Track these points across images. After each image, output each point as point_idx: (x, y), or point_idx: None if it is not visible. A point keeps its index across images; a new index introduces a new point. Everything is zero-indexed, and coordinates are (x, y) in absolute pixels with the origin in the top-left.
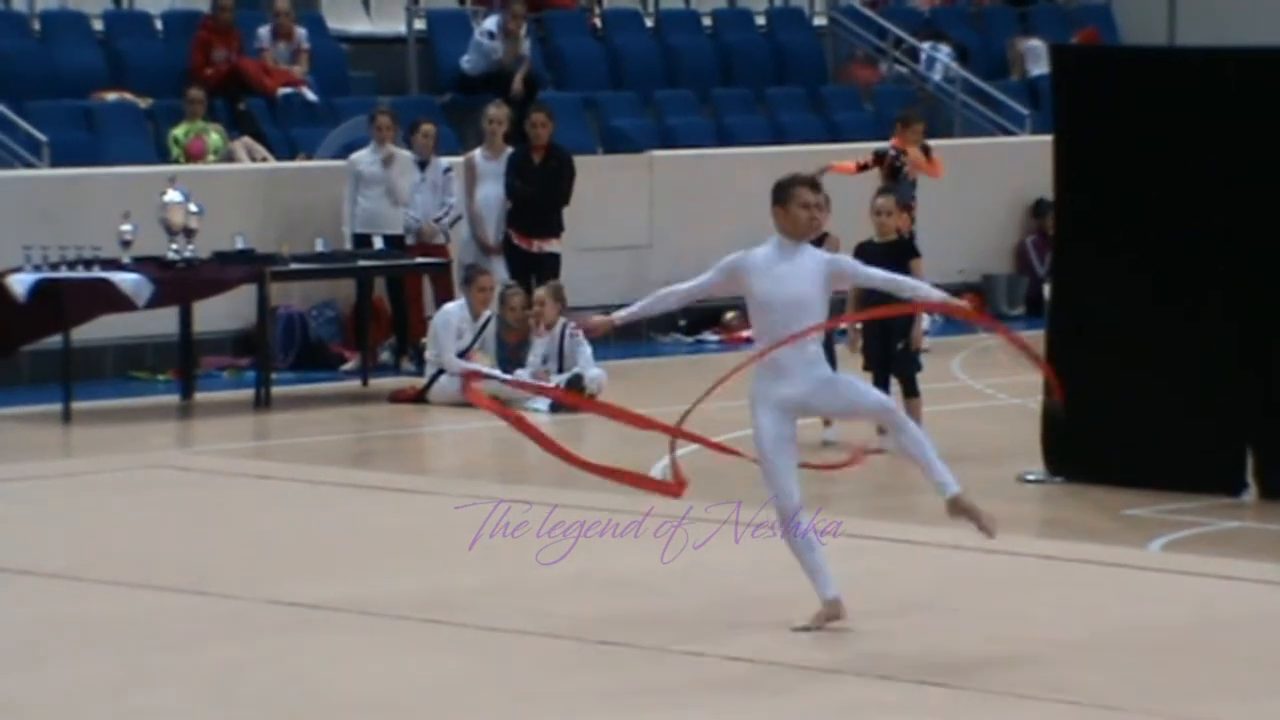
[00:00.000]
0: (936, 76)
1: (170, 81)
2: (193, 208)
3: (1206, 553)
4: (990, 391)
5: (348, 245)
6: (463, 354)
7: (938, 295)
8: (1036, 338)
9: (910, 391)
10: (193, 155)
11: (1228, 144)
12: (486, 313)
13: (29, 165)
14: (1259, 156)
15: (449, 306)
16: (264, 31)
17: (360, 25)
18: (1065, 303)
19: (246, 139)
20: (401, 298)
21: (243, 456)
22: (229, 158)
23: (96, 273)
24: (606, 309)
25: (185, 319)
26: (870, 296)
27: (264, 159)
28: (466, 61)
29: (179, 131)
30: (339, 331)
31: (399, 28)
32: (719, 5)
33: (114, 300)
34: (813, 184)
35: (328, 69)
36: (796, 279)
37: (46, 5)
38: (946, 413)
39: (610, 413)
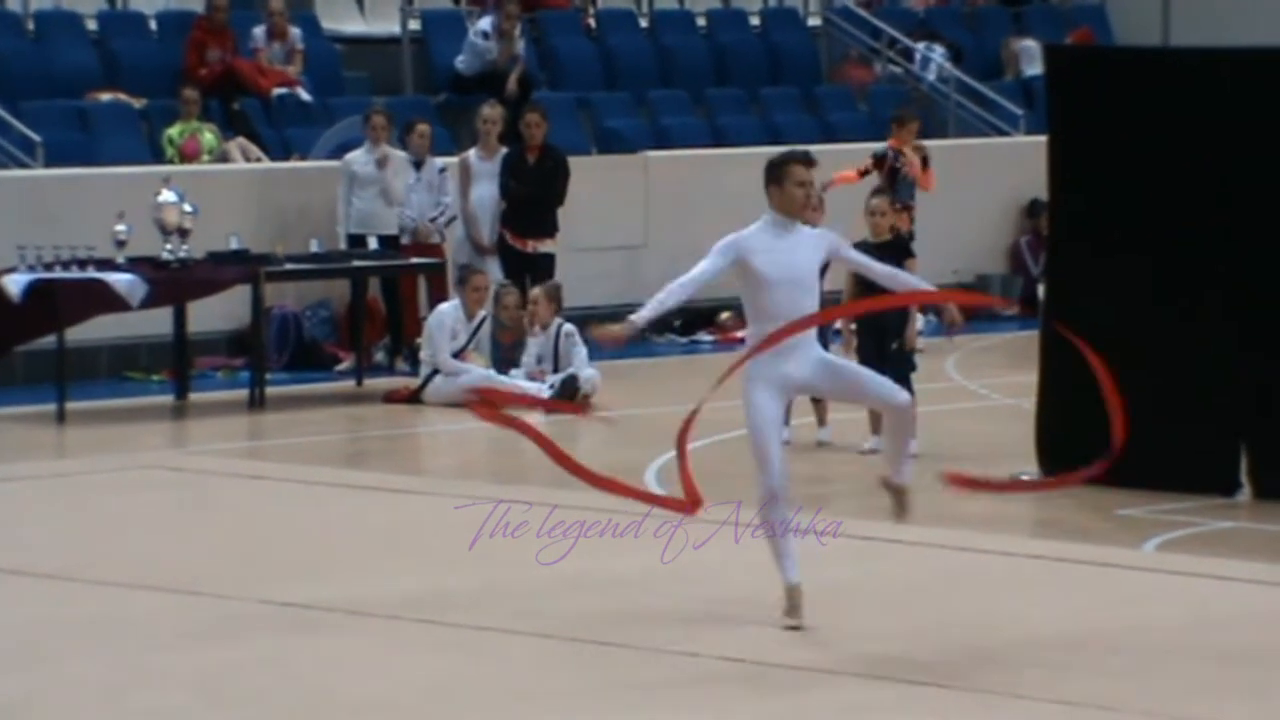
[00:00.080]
0: (931, 77)
1: (165, 81)
2: (187, 208)
3: (1201, 553)
4: (984, 392)
5: (342, 245)
6: (457, 354)
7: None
8: (1031, 338)
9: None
10: (187, 155)
11: (1222, 144)
12: (481, 313)
13: (23, 165)
14: (1254, 156)
15: (443, 307)
16: (258, 32)
17: (355, 25)
18: (1060, 303)
19: (241, 139)
20: (396, 298)
21: (237, 457)
22: (223, 158)
23: (91, 273)
24: (601, 309)
25: (180, 319)
26: (867, 291)
27: (258, 159)
28: (461, 62)
29: (173, 131)
30: (333, 332)
31: (393, 28)
32: (713, 5)
33: (108, 300)
34: (806, 160)
35: (322, 69)
36: (796, 256)
37: (41, 5)
38: (941, 413)
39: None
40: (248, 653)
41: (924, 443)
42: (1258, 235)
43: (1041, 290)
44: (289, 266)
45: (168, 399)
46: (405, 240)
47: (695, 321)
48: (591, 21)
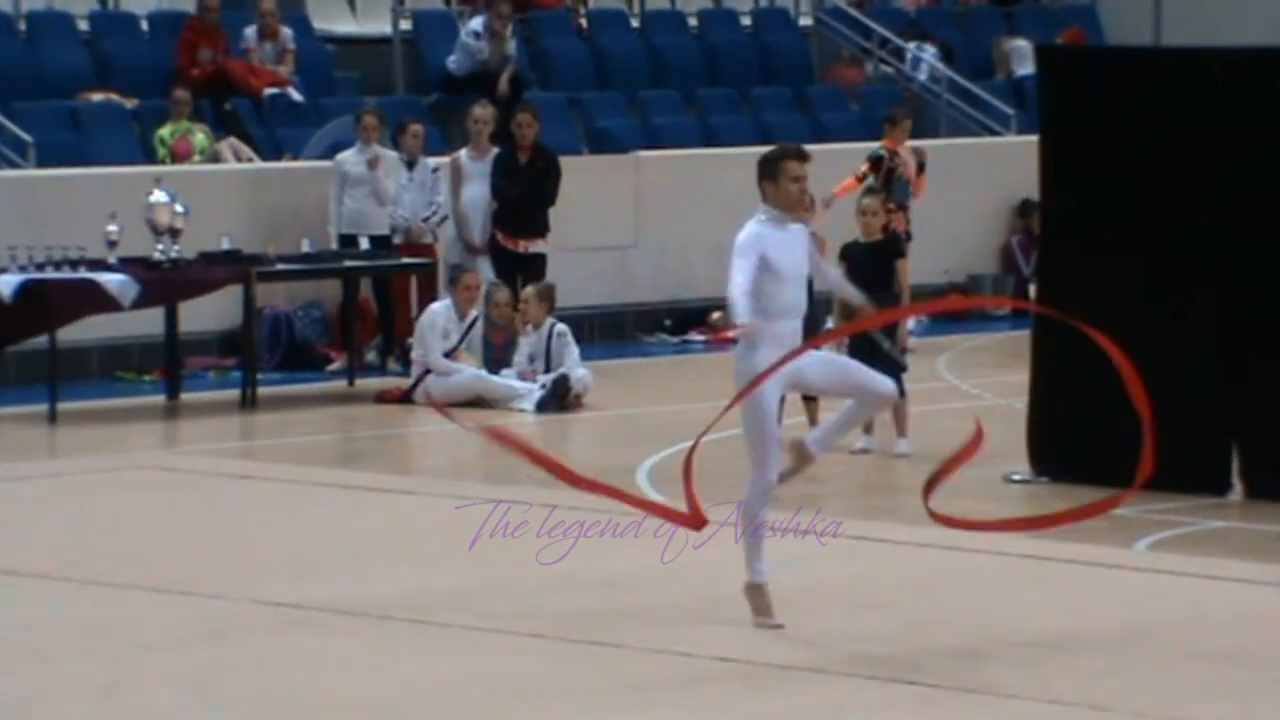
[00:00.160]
0: (922, 76)
1: (156, 82)
2: (178, 208)
3: (1193, 552)
4: (976, 391)
5: (334, 245)
6: (449, 354)
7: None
8: (1022, 337)
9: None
10: (178, 156)
11: (1213, 144)
12: (473, 312)
13: (15, 166)
14: (1245, 156)
15: (435, 306)
16: (250, 32)
17: (346, 25)
18: (1051, 302)
19: (232, 139)
20: (387, 298)
21: (229, 457)
22: (215, 158)
23: (82, 273)
24: (593, 309)
25: (171, 319)
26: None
27: (250, 159)
28: (452, 62)
29: (165, 132)
30: (325, 332)
31: (385, 28)
32: (704, 5)
33: (100, 301)
34: (801, 156)
35: (313, 69)
36: (796, 252)
37: (32, 5)
38: (932, 413)
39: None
40: (240, 653)
41: (916, 443)
42: (1249, 235)
43: (1033, 290)
44: (280, 267)
45: (159, 399)
46: (398, 240)
47: (686, 321)
48: (583, 21)
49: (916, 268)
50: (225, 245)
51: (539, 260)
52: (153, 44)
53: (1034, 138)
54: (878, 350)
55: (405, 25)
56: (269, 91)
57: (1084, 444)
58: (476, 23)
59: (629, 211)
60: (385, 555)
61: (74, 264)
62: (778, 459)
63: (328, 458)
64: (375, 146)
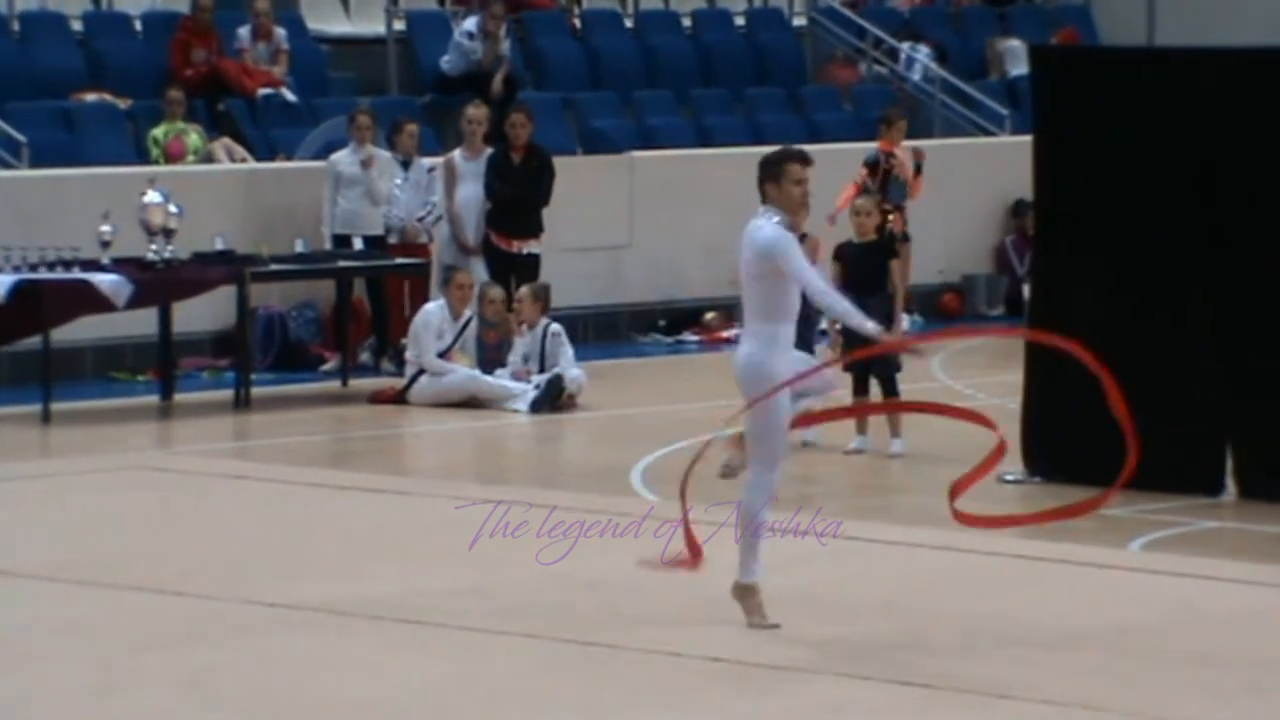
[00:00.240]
0: (916, 77)
1: (150, 82)
2: (172, 208)
3: (1186, 553)
4: (970, 391)
5: (327, 246)
6: (443, 354)
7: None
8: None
9: (890, 391)
10: (172, 156)
11: (1207, 144)
12: (467, 313)
13: (8, 166)
14: (1239, 156)
15: (429, 307)
16: (243, 32)
17: (340, 26)
18: (1045, 302)
19: (226, 139)
20: (381, 298)
21: (222, 457)
22: (208, 158)
23: (76, 273)
24: (587, 310)
25: (165, 320)
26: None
27: (243, 160)
28: (446, 62)
29: (158, 132)
30: (319, 332)
31: (378, 28)
32: (698, 6)
33: (93, 301)
34: (803, 159)
35: (307, 69)
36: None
37: (26, 6)
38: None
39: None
40: (235, 653)
41: (910, 444)
42: (1243, 235)
43: (1026, 290)
44: (274, 267)
45: (153, 399)
46: (393, 240)
47: (680, 321)
48: (576, 22)
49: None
50: (219, 245)
51: (533, 260)
52: (146, 44)
53: (1028, 138)
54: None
55: (399, 25)
56: (263, 92)
57: (1077, 444)
58: (470, 23)
59: (623, 212)
60: (379, 556)
61: (68, 264)
62: (783, 460)
63: (321, 458)
64: (369, 147)
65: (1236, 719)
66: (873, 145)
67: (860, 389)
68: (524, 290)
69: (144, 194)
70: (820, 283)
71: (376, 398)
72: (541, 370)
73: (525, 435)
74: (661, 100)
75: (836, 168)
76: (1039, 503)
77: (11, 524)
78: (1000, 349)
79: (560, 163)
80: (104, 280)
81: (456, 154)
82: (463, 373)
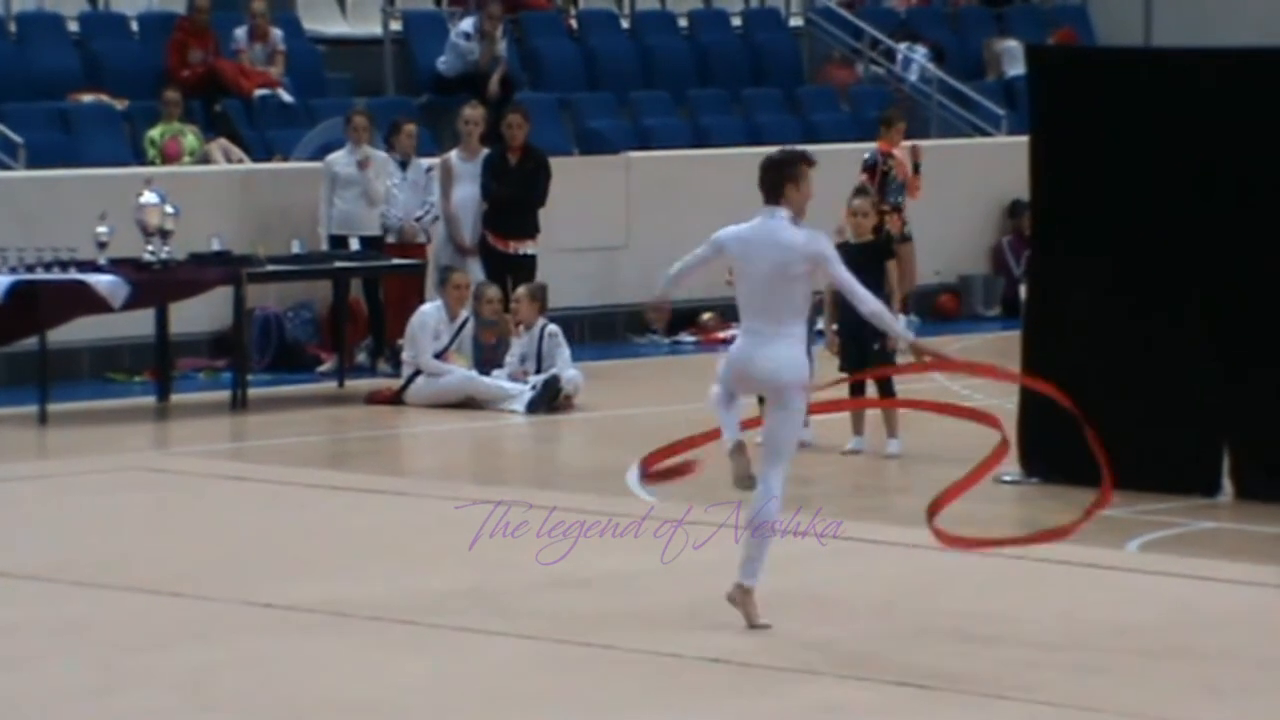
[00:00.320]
0: (913, 77)
1: (146, 83)
2: (169, 209)
3: (1183, 553)
4: (967, 392)
5: (324, 246)
6: (440, 355)
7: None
8: (1013, 338)
9: (886, 392)
10: (169, 156)
11: (1205, 144)
12: (464, 313)
13: (5, 167)
14: (1236, 156)
15: (426, 308)
16: (240, 33)
17: (336, 26)
18: (1041, 303)
19: (222, 140)
20: (377, 299)
21: (219, 458)
22: (205, 159)
23: (73, 274)
24: (583, 310)
25: (161, 320)
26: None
27: (240, 160)
28: (443, 63)
29: (155, 133)
30: (315, 333)
31: (375, 29)
32: (695, 6)
33: (90, 302)
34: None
35: (304, 70)
36: None
37: (22, 6)
38: (923, 414)
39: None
40: (231, 654)
41: (907, 444)
42: (1240, 236)
43: (1023, 290)
44: (271, 268)
45: (150, 400)
46: (391, 240)
47: (678, 322)
48: (573, 22)
49: None
50: (215, 246)
51: (529, 261)
52: (143, 45)
53: (1025, 138)
54: (868, 352)
55: (396, 26)
56: (259, 92)
57: (1074, 445)
58: (467, 23)
59: (619, 212)
60: (378, 556)
61: (64, 265)
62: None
63: (318, 459)
64: (365, 147)
65: (1235, 719)
66: (870, 145)
67: (857, 389)
68: (521, 290)
69: (140, 195)
70: (861, 287)
71: (373, 398)
72: (538, 371)
73: (522, 436)
74: (658, 101)
75: (834, 168)
76: (1036, 503)
77: (9, 525)
78: (997, 349)
79: (557, 163)
80: (101, 281)
81: (453, 154)
82: (459, 373)
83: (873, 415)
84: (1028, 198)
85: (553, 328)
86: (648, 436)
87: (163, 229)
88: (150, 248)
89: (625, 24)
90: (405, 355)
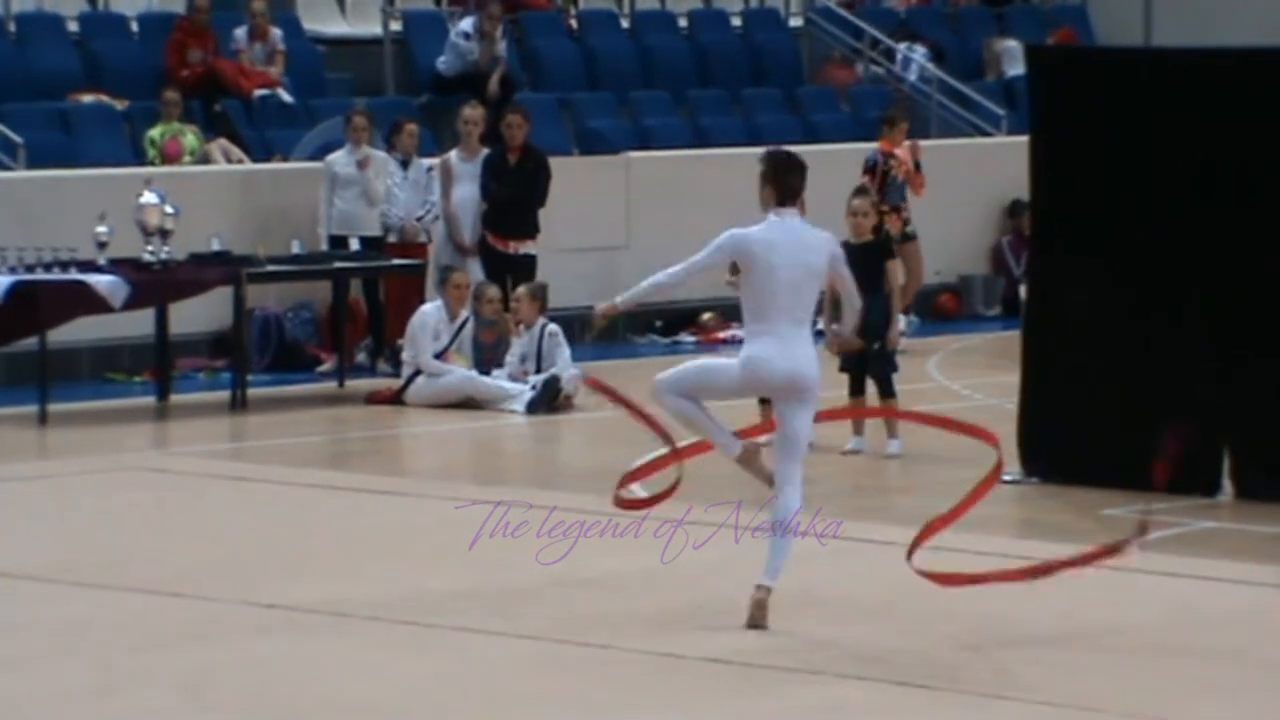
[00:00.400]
0: (912, 77)
1: (146, 83)
2: (169, 209)
3: (1184, 553)
4: (967, 392)
5: (324, 247)
6: (440, 355)
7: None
8: (1012, 338)
9: (886, 392)
10: (169, 157)
11: (1204, 144)
12: (464, 313)
13: (5, 167)
14: (1236, 156)
15: (426, 308)
16: (240, 33)
17: (336, 26)
18: (1041, 303)
19: (222, 140)
20: (377, 299)
21: (219, 458)
22: (205, 159)
23: (72, 274)
24: (583, 310)
25: (161, 320)
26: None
27: (240, 160)
28: (442, 63)
29: (155, 133)
30: (315, 333)
31: (375, 29)
32: (695, 6)
33: (90, 302)
34: None
35: (304, 70)
36: None
37: (22, 7)
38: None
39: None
40: (232, 654)
41: (907, 444)
42: (1241, 234)
43: (1023, 290)
44: (271, 268)
45: (149, 400)
46: (392, 239)
47: (677, 322)
48: (573, 22)
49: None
50: (215, 246)
51: (529, 261)
52: (143, 45)
53: (1024, 138)
54: (868, 351)
55: (395, 26)
56: (259, 92)
57: (1074, 445)
58: (467, 23)
59: (619, 212)
60: (378, 556)
61: (64, 265)
62: None
63: (318, 459)
64: (365, 147)
65: (1235, 719)
66: (869, 145)
67: (857, 389)
68: (521, 290)
69: (140, 195)
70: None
71: (373, 398)
72: (538, 371)
73: (522, 436)
74: (658, 101)
75: (834, 168)
76: (1035, 503)
77: (9, 525)
78: (997, 349)
79: (556, 163)
80: (100, 281)
81: (453, 155)
82: (459, 373)
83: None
84: (1028, 198)
85: (553, 327)
86: (647, 437)
87: (162, 229)
88: (150, 248)
89: (625, 24)
90: (405, 355)
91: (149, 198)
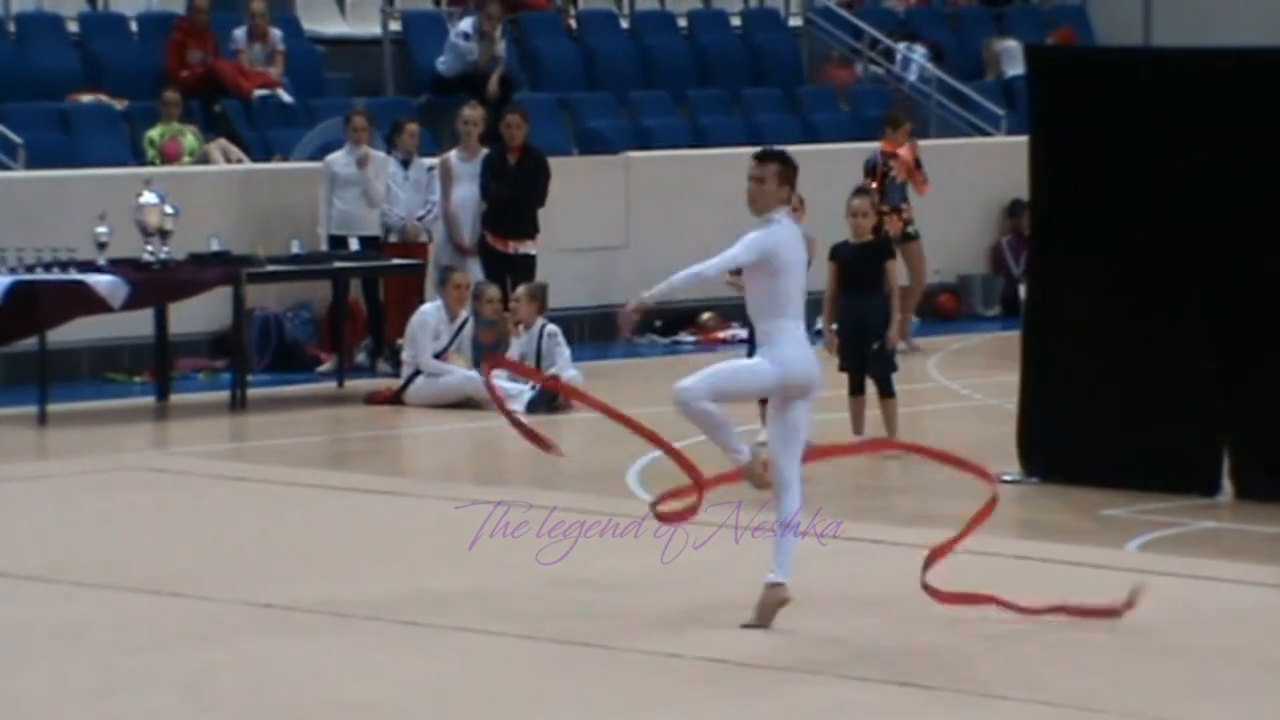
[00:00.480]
0: (912, 77)
1: (146, 83)
2: (168, 209)
3: (1183, 553)
4: (966, 392)
5: (323, 247)
6: (439, 355)
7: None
8: (1012, 338)
9: (886, 392)
10: (168, 157)
11: (1204, 144)
12: (463, 313)
13: (4, 167)
14: (1236, 156)
15: (426, 308)
16: (239, 33)
17: (336, 27)
18: (1041, 303)
19: (222, 140)
20: (377, 299)
21: (219, 458)
22: (204, 159)
23: (72, 274)
24: (582, 310)
25: (161, 321)
26: (848, 288)
27: (239, 160)
28: (442, 63)
29: (154, 133)
30: (315, 333)
31: (374, 29)
32: (694, 6)
33: (90, 302)
34: None
35: (303, 70)
36: None
37: (22, 7)
38: (922, 413)
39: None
40: (231, 654)
41: None
42: (1240, 235)
43: (1023, 290)
44: (270, 268)
45: (149, 400)
46: (393, 239)
47: (676, 322)
48: (572, 22)
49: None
50: (215, 246)
51: (528, 261)
52: (142, 45)
53: (1024, 138)
54: (867, 350)
55: (395, 26)
56: (259, 93)
57: (1073, 445)
58: (466, 24)
59: (619, 212)
60: (378, 556)
61: (64, 265)
62: None
63: (318, 459)
64: (365, 147)
65: (1235, 719)
66: (869, 145)
67: (856, 389)
68: (521, 290)
69: (140, 195)
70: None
71: (373, 399)
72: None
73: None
74: (657, 101)
75: (833, 168)
76: (1035, 503)
77: (9, 525)
78: (997, 349)
79: (556, 163)
80: (100, 281)
81: (452, 155)
82: (459, 373)
83: (872, 415)
84: (1027, 198)
85: (552, 328)
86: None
87: (162, 229)
88: (150, 248)
89: (625, 24)
90: (405, 355)
91: (149, 198)
